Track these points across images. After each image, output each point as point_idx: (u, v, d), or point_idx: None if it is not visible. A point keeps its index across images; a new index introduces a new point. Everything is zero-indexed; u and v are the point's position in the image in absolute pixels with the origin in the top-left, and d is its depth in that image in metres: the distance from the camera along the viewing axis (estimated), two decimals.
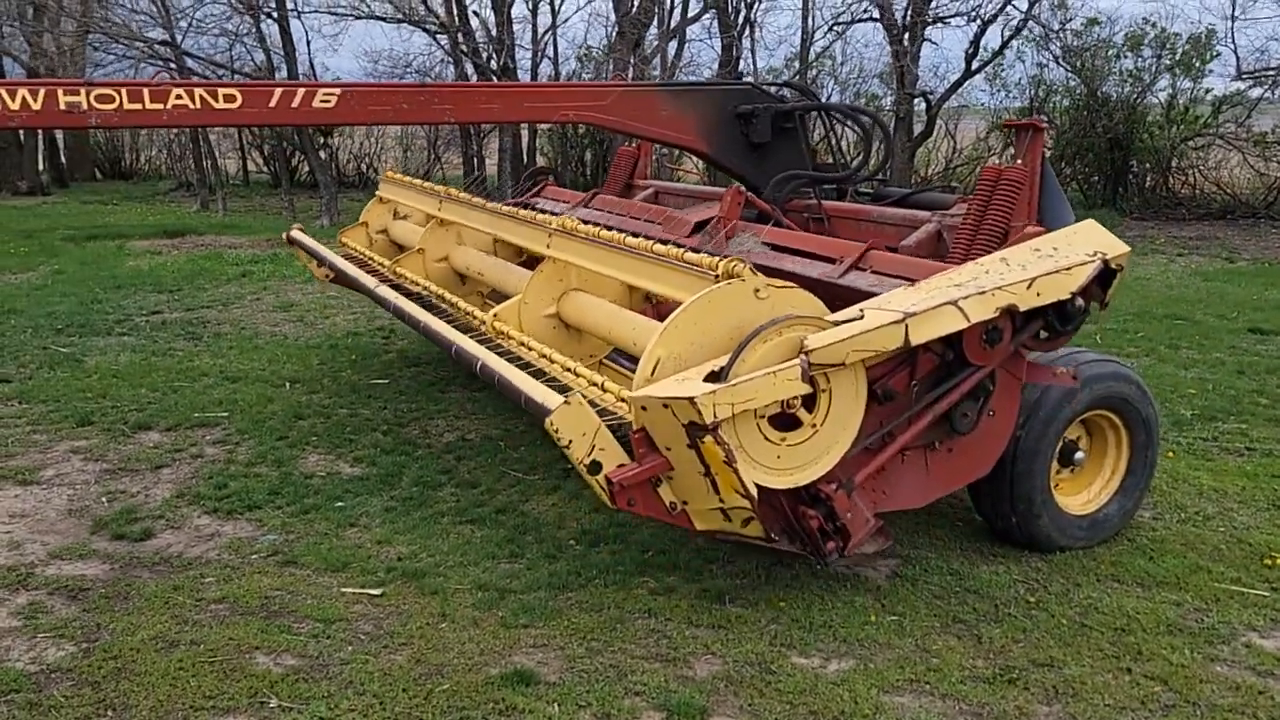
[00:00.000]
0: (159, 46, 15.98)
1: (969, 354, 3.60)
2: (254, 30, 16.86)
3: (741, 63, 17.64)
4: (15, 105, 4.15)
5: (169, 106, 4.39)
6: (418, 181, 7.03)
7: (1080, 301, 3.72)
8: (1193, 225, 14.95)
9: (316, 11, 17.04)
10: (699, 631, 3.61)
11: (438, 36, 16.98)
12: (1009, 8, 15.46)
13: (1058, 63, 16.74)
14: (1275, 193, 15.55)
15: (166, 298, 9.73)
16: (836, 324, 3.31)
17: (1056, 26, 16.33)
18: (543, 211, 6.04)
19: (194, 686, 3.25)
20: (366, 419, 5.96)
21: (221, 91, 4.50)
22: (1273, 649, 3.52)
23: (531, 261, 5.18)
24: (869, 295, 3.67)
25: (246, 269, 11.31)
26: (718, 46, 17.60)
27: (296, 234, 7.13)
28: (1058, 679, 3.33)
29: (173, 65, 15.82)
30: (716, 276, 3.40)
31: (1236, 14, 15.80)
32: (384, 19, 16.83)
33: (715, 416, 3.05)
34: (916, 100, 16.38)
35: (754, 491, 3.21)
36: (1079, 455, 4.26)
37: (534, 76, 18.18)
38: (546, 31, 18.33)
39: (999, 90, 17.98)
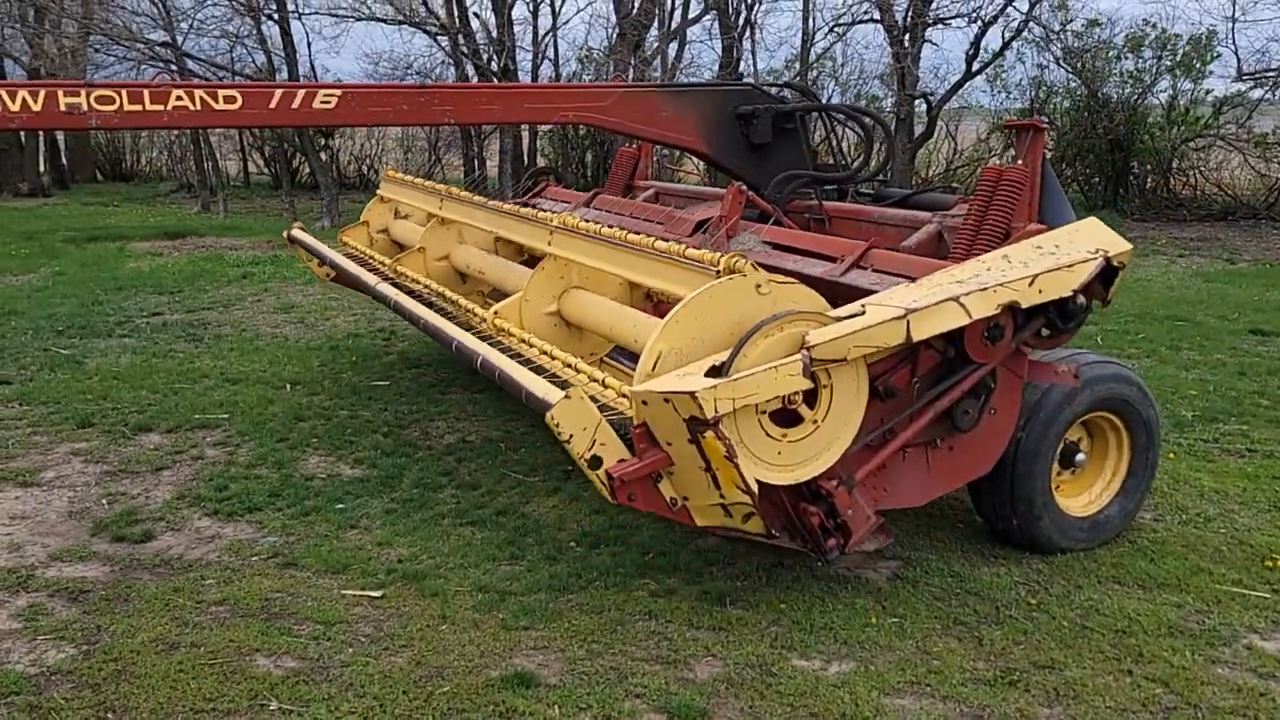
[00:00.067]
0: (160, 48, 15.99)
1: (970, 351, 3.60)
2: (255, 32, 16.86)
3: (742, 64, 17.65)
4: (15, 107, 4.15)
5: (169, 108, 4.39)
6: (419, 180, 7.03)
7: (1082, 299, 3.72)
8: (1193, 226, 14.94)
9: (317, 13, 17.06)
10: (700, 634, 3.61)
11: (438, 38, 16.98)
12: (1009, 9, 15.48)
13: (1058, 64, 16.76)
14: (1276, 194, 15.54)
15: (167, 299, 9.73)
16: (838, 319, 3.31)
17: (1057, 28, 16.35)
18: (544, 211, 6.04)
19: (194, 689, 3.25)
20: (367, 421, 5.96)
21: (222, 93, 4.50)
22: (1274, 651, 3.52)
23: (532, 261, 5.18)
24: (870, 293, 3.68)
25: (247, 270, 11.31)
26: (718, 48, 17.62)
27: (297, 233, 7.13)
28: (1059, 681, 3.32)
29: (174, 67, 15.82)
30: (718, 272, 3.40)
31: (1237, 15, 15.82)
32: (385, 21, 16.84)
33: (716, 411, 3.04)
34: (917, 101, 16.38)
35: (755, 487, 3.21)
36: (1080, 457, 4.26)
37: (534, 78, 18.19)
38: (547, 33, 18.36)
39: (1000, 91, 18.02)
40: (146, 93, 4.34)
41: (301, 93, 4.66)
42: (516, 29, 17.55)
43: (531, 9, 18.15)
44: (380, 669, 3.37)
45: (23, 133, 19.34)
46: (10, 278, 10.88)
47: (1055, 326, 3.77)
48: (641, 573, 4.05)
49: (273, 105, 4.62)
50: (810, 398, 3.28)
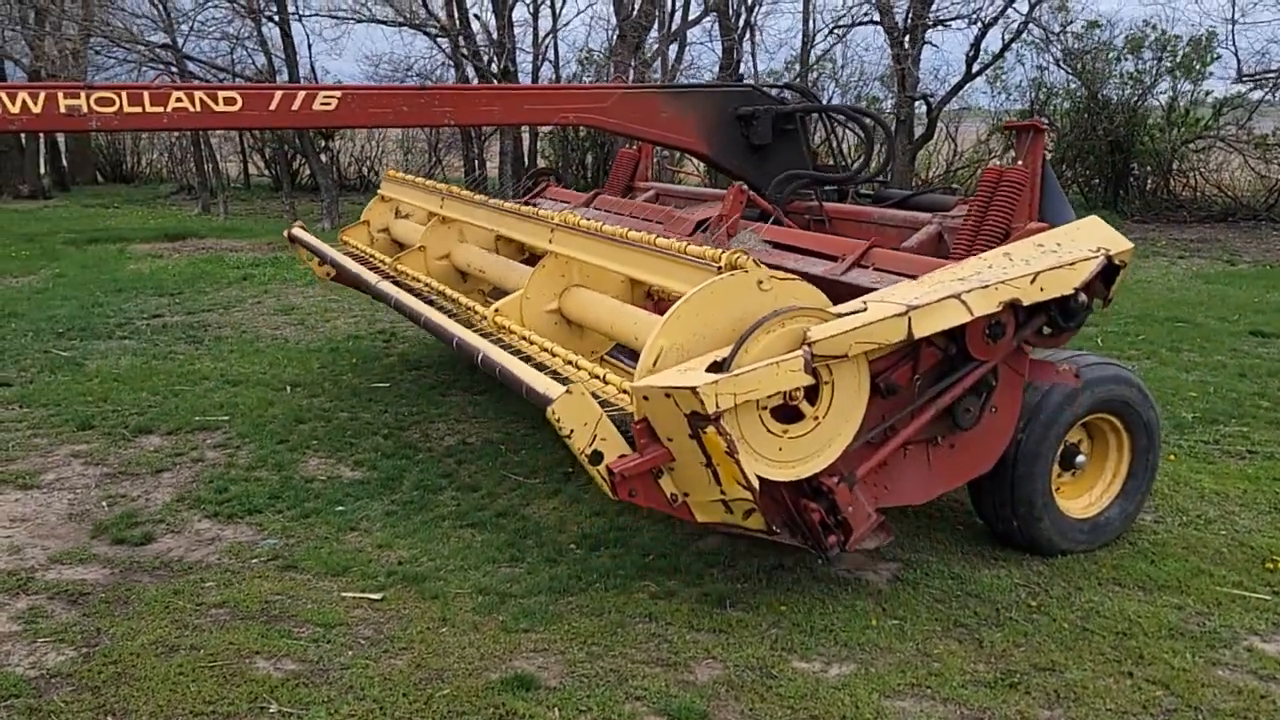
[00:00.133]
0: (160, 50, 15.99)
1: (972, 348, 3.60)
2: (255, 34, 16.88)
3: (742, 66, 17.65)
4: (15, 109, 4.15)
5: (169, 109, 4.40)
6: (420, 180, 7.03)
7: (1083, 297, 3.73)
8: (1194, 228, 14.94)
9: (317, 15, 17.11)
10: (700, 636, 3.60)
11: (439, 40, 16.99)
12: (1009, 10, 15.48)
13: (1058, 65, 16.75)
14: (1276, 195, 15.53)
15: (167, 301, 9.73)
16: (839, 316, 3.31)
17: (1057, 29, 16.33)
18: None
19: (194, 691, 3.25)
20: (367, 423, 5.96)
21: (222, 94, 4.50)
22: (1274, 653, 3.51)
23: (533, 260, 5.18)
24: (872, 292, 3.67)
25: (247, 272, 11.32)
26: (718, 50, 17.62)
27: (298, 231, 7.13)
28: (1059, 683, 3.32)
29: (174, 69, 15.83)
30: (719, 268, 3.40)
31: (1236, 17, 15.82)
32: (385, 22, 16.85)
33: (718, 406, 3.04)
34: (917, 103, 16.37)
35: (756, 483, 3.21)
36: (1080, 458, 4.25)
37: (535, 79, 18.20)
38: (547, 35, 18.37)
39: (1000, 93, 18.02)
40: (146, 94, 4.34)
41: (301, 94, 4.67)
42: (517, 31, 17.58)
43: (532, 11, 18.18)
44: (380, 671, 3.37)
45: (23, 135, 19.34)
46: (10, 280, 10.88)
47: (1057, 325, 3.77)
48: (642, 575, 4.04)
49: (273, 107, 4.62)
50: (811, 394, 3.28)
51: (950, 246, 4.31)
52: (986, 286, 3.48)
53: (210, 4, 16.76)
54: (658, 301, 4.49)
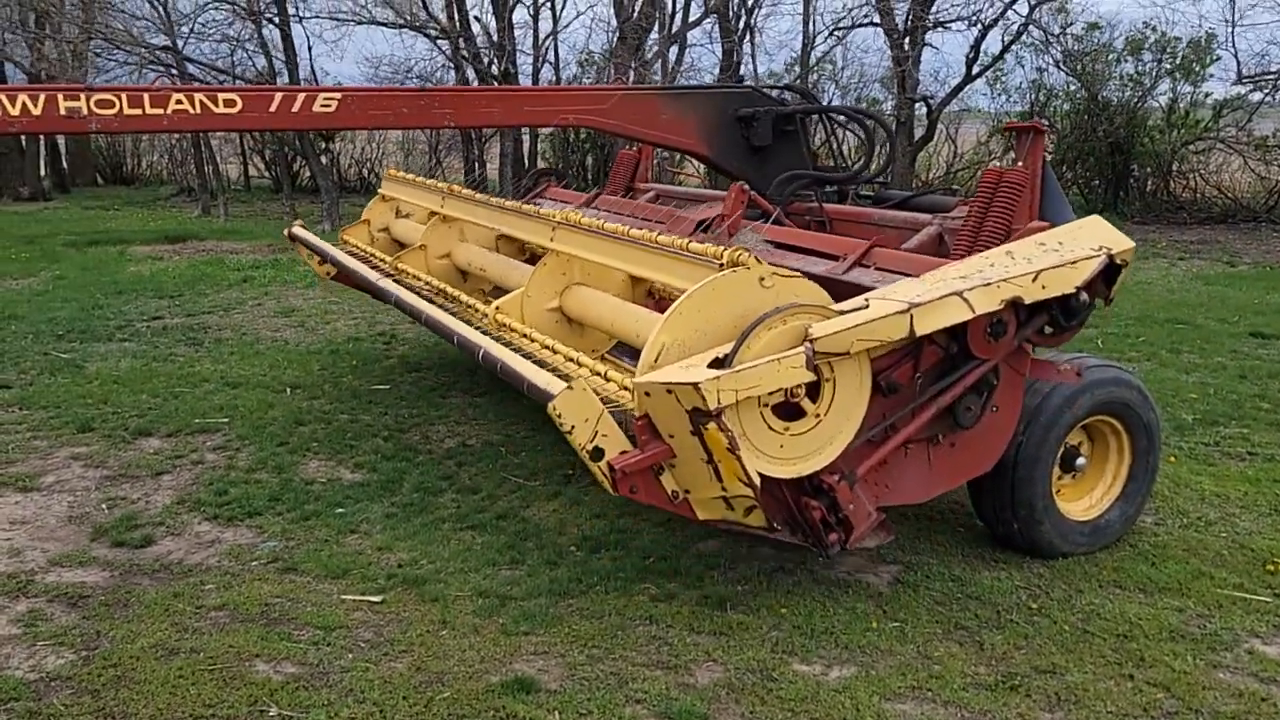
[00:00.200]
0: (160, 52, 16.00)
1: (973, 347, 3.60)
2: (255, 36, 16.90)
3: (742, 67, 17.66)
4: (15, 111, 4.15)
5: (169, 111, 4.40)
6: (421, 179, 7.04)
7: (1085, 296, 3.72)
8: (1194, 229, 14.94)
9: (318, 17, 17.15)
10: (700, 638, 3.60)
11: (439, 42, 17.00)
12: (1009, 12, 15.47)
13: (1058, 67, 16.75)
14: (1276, 196, 15.53)
15: (167, 303, 9.73)
16: (841, 313, 3.31)
17: (1057, 31, 16.33)
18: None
19: (194, 695, 3.24)
20: (367, 425, 5.96)
21: (222, 96, 4.50)
22: (1275, 655, 3.51)
23: (534, 259, 5.19)
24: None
25: (248, 274, 11.32)
26: (719, 51, 17.62)
27: (298, 230, 7.13)
28: (1060, 686, 3.32)
29: (174, 71, 15.84)
30: (721, 265, 3.40)
31: (1236, 19, 15.82)
32: (385, 24, 16.86)
33: (719, 402, 3.04)
34: (917, 105, 16.38)
35: (757, 480, 3.20)
36: (1080, 461, 4.25)
37: (535, 81, 18.20)
38: (548, 37, 18.37)
39: (1000, 94, 18.02)
40: (146, 96, 4.34)
41: (301, 96, 4.67)
42: (517, 33, 17.59)
43: (532, 13, 18.17)
44: (380, 674, 3.36)
45: (23, 137, 19.34)
46: (10, 282, 10.88)
47: (1058, 324, 3.77)
48: (642, 577, 4.04)
49: (273, 109, 4.63)
50: (813, 391, 3.28)
51: (950, 248, 4.31)
52: (988, 284, 3.48)
53: (210, 6, 16.80)
54: (659, 300, 4.49)
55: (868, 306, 3.34)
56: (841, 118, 6.22)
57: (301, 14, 16.96)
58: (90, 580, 4.05)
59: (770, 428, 3.23)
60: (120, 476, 5.18)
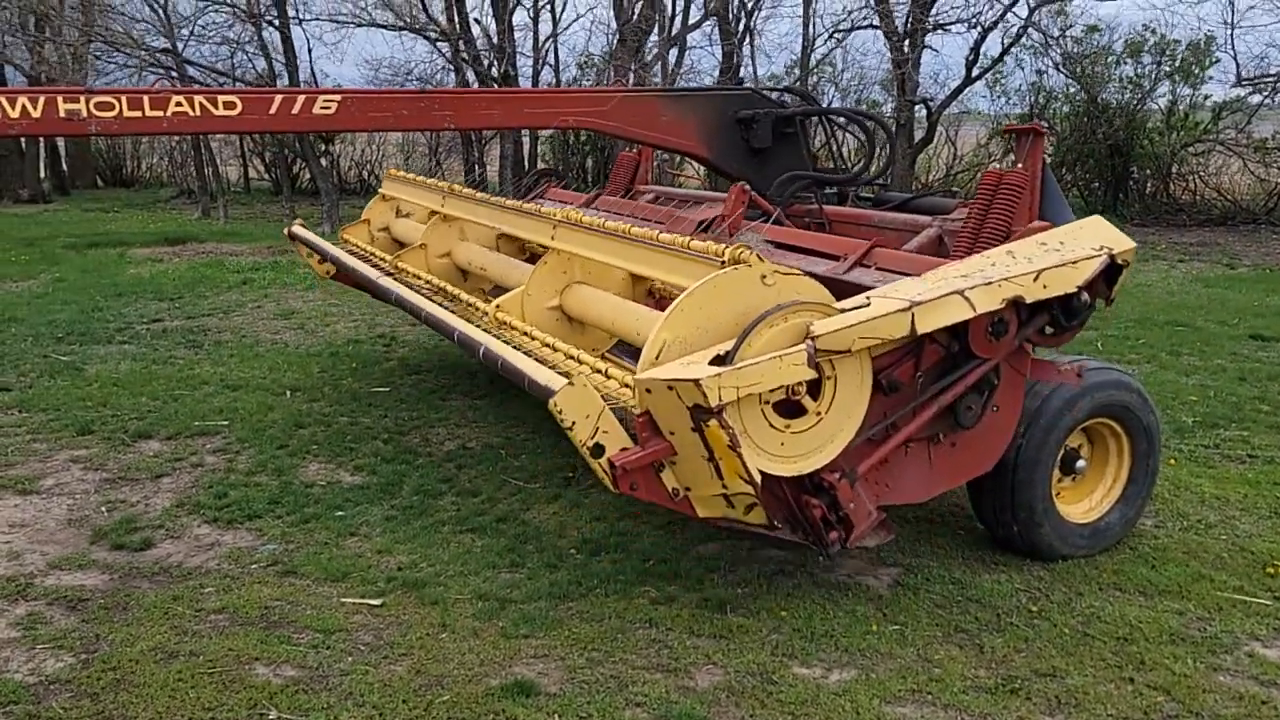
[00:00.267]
0: (160, 55, 16.01)
1: (974, 346, 3.60)
2: (255, 38, 16.90)
3: (742, 70, 17.66)
4: (15, 113, 4.16)
5: (169, 114, 4.40)
6: (421, 179, 7.04)
7: (1086, 296, 3.72)
8: (1193, 231, 14.95)
9: (318, 19, 17.17)
10: (700, 641, 3.59)
11: (439, 44, 17.01)
12: (1009, 15, 15.49)
13: (1058, 69, 16.77)
14: (1276, 199, 15.54)
15: (167, 305, 9.73)
16: (843, 311, 3.31)
17: (1056, 33, 16.35)
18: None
19: (193, 698, 3.24)
20: (367, 427, 5.95)
21: (221, 99, 4.51)
22: (1276, 658, 3.51)
23: (535, 259, 5.18)
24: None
25: (247, 276, 11.32)
26: (718, 54, 17.63)
27: (298, 229, 7.12)
28: (1060, 689, 3.31)
29: (174, 74, 15.85)
30: (723, 263, 3.40)
31: (1235, 21, 15.83)
32: (385, 27, 16.88)
33: (720, 399, 3.04)
34: (917, 107, 16.39)
35: (758, 477, 3.20)
36: (1080, 463, 4.25)
37: (535, 83, 18.21)
38: (548, 39, 18.39)
39: (999, 97, 18.03)
40: (146, 99, 4.35)
41: (301, 98, 4.67)
42: (517, 35, 17.61)
43: (532, 15, 18.20)
44: (380, 678, 3.36)
45: (23, 139, 19.35)
46: (10, 284, 10.88)
47: (1059, 323, 3.77)
48: (642, 580, 4.04)
49: (272, 111, 4.63)
50: (814, 389, 3.27)
51: (950, 249, 4.31)
52: (990, 283, 3.48)
53: (210, 8, 16.81)
54: (659, 300, 4.49)
55: (869, 304, 3.34)
56: (841, 120, 6.22)
57: (301, 16, 17.00)
58: (90, 583, 4.05)
59: (771, 425, 3.22)
60: (120, 479, 5.18)
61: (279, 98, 4.62)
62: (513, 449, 5.57)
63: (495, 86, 15.88)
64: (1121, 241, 3.82)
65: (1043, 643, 3.59)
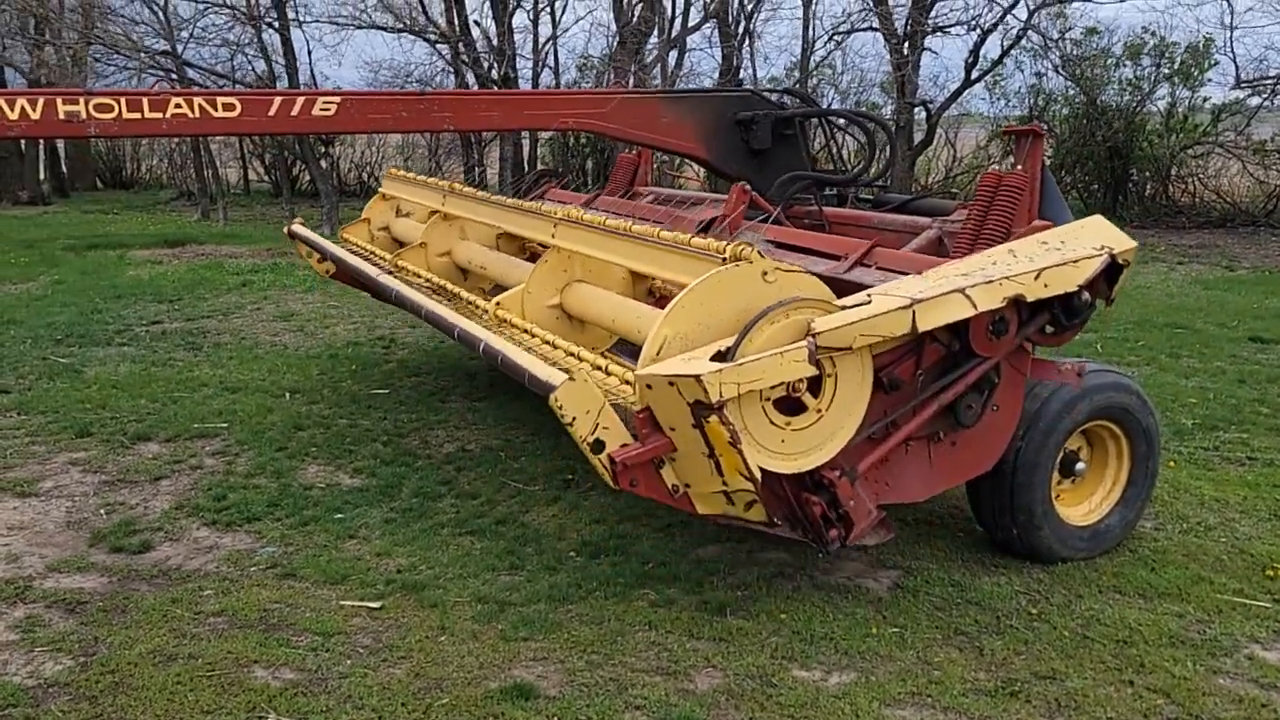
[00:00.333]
0: (160, 57, 16.02)
1: (975, 344, 3.60)
2: (255, 40, 16.90)
3: (742, 72, 17.67)
4: (14, 115, 4.16)
5: (168, 115, 4.40)
6: (422, 178, 7.04)
7: (1087, 295, 3.72)
8: (1193, 233, 14.95)
9: (318, 21, 17.16)
10: (700, 644, 3.59)
11: (439, 46, 17.02)
12: (1008, 17, 15.49)
13: (1057, 72, 16.77)
14: (1275, 201, 15.54)
15: (167, 307, 9.73)
16: (844, 308, 3.31)
17: (1056, 36, 16.36)
18: None
19: (192, 701, 3.23)
20: (366, 430, 5.95)
21: (221, 100, 4.50)
22: (1275, 661, 3.50)
23: (535, 258, 5.18)
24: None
25: (247, 278, 11.32)
26: (718, 55, 17.64)
27: (298, 228, 7.12)
28: (1060, 691, 3.31)
29: (174, 76, 15.85)
30: (724, 260, 3.40)
31: (1234, 23, 15.84)
32: (385, 29, 16.89)
33: (721, 396, 3.03)
34: (916, 109, 16.39)
35: (758, 474, 3.20)
36: (1080, 466, 4.24)
37: (535, 85, 18.21)
38: (547, 41, 18.39)
39: (999, 99, 18.03)
40: (145, 100, 4.34)
41: (301, 100, 4.67)
42: (517, 37, 17.62)
43: (532, 17, 18.19)
44: (379, 680, 3.35)
45: (23, 141, 19.36)
46: (9, 286, 10.88)
47: (1060, 323, 3.77)
48: (641, 583, 4.03)
49: (272, 113, 4.63)
50: (814, 386, 3.27)
51: (950, 251, 4.31)
52: (991, 282, 3.48)
53: (210, 10, 16.81)
54: (659, 298, 4.49)
55: (870, 302, 3.34)
56: (841, 121, 6.22)
57: (301, 18, 17.00)
58: (88, 586, 4.05)
59: (772, 422, 3.22)
60: (118, 482, 5.18)
61: (278, 99, 4.62)
62: (512, 451, 5.57)
63: (495, 88, 15.89)
64: (1122, 241, 3.82)
65: (1042, 645, 3.58)
